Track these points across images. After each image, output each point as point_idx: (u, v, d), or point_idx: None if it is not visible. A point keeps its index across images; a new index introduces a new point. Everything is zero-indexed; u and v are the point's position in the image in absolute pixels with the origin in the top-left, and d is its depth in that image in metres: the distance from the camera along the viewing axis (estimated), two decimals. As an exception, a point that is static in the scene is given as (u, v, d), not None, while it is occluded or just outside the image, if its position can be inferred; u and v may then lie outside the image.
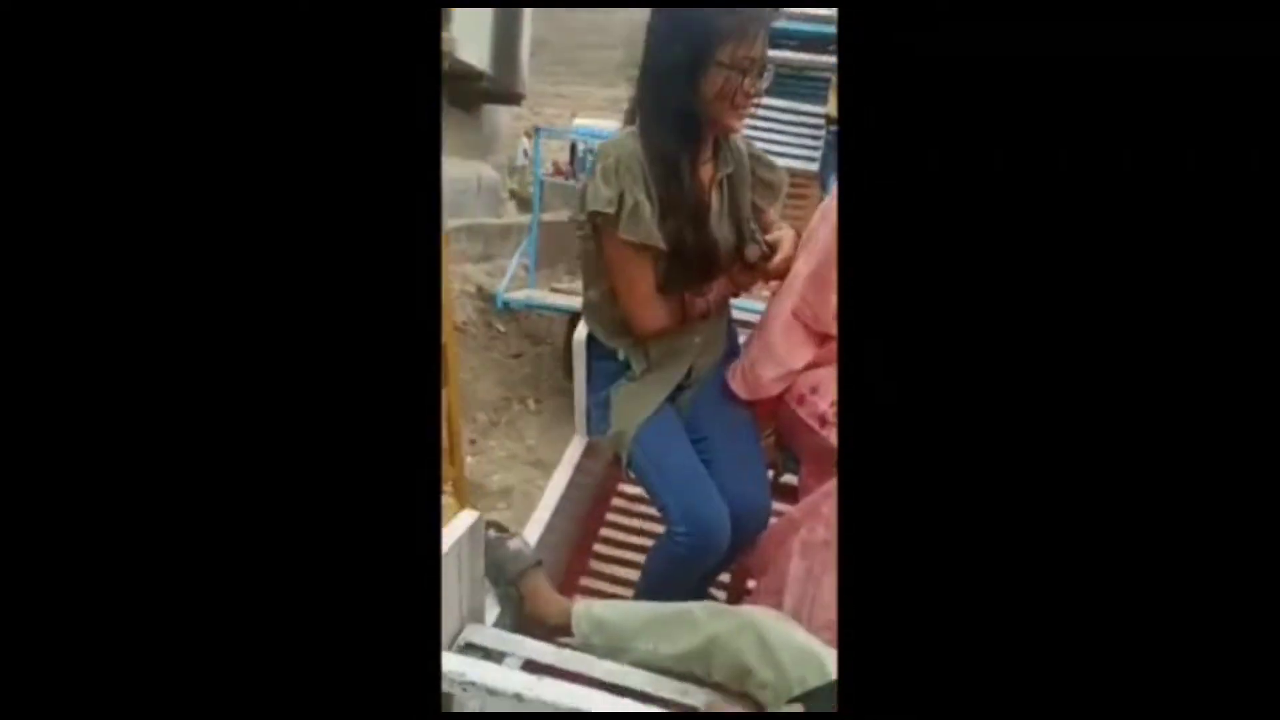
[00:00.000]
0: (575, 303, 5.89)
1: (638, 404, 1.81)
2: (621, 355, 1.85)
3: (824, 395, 1.67)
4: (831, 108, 2.35)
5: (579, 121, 13.98)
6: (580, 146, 10.35)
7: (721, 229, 1.71)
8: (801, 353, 1.69)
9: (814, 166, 2.40)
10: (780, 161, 1.99)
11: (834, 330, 1.66)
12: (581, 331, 1.89)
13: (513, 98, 10.52)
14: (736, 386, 1.77)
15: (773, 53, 2.82)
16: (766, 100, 2.57)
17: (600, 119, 13.83)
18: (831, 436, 1.64)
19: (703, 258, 1.67)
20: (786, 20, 2.49)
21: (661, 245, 1.60)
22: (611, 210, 1.56)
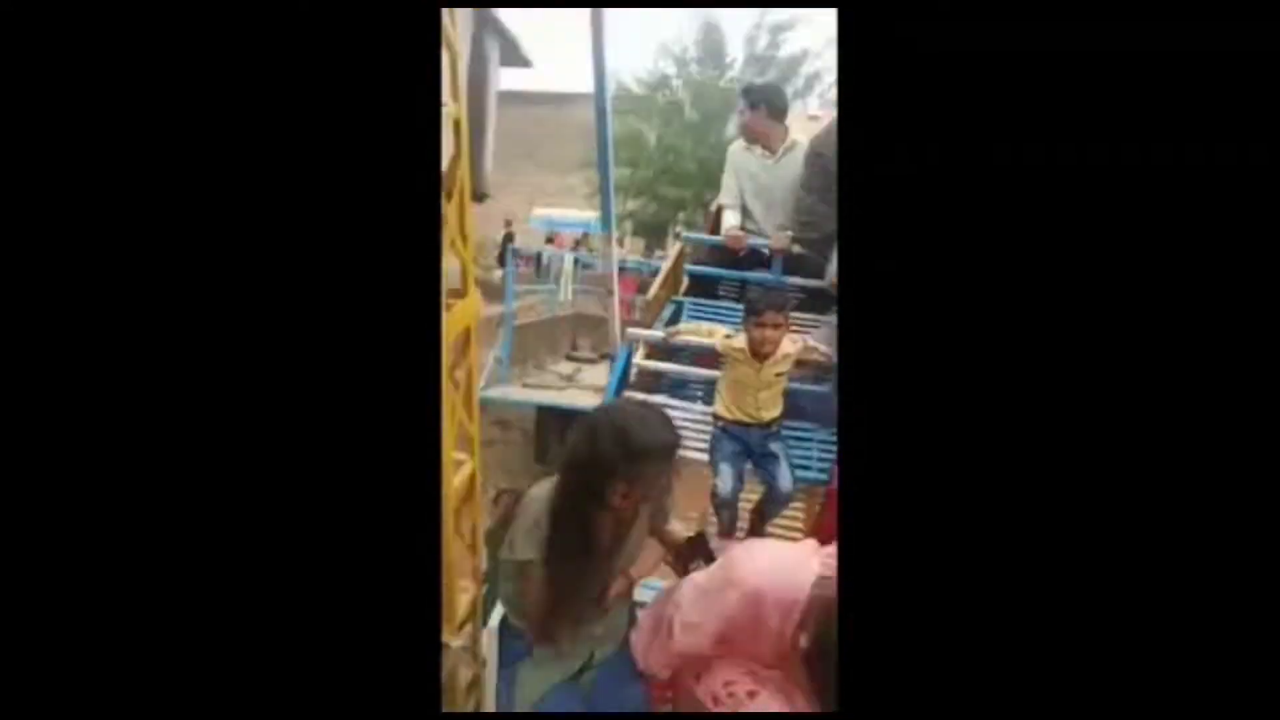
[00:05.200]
0: (545, 396, 6.47)
1: (538, 682, 2.01)
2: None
3: (717, 675, 1.76)
4: (719, 407, 2.68)
5: (537, 211, 14.86)
6: (544, 255, 11.84)
7: (629, 546, 1.94)
8: (700, 644, 1.79)
9: (704, 457, 2.70)
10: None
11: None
12: (497, 616, 2.09)
13: (477, 196, 11.31)
14: (637, 655, 1.92)
15: (667, 366, 3.09)
16: (664, 399, 3.02)
17: (557, 209, 14.93)
18: (721, 711, 1.76)
19: (593, 588, 1.89)
20: (681, 338, 2.93)
21: (530, 556, 1.82)
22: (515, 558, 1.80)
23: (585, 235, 14.41)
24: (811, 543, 1.83)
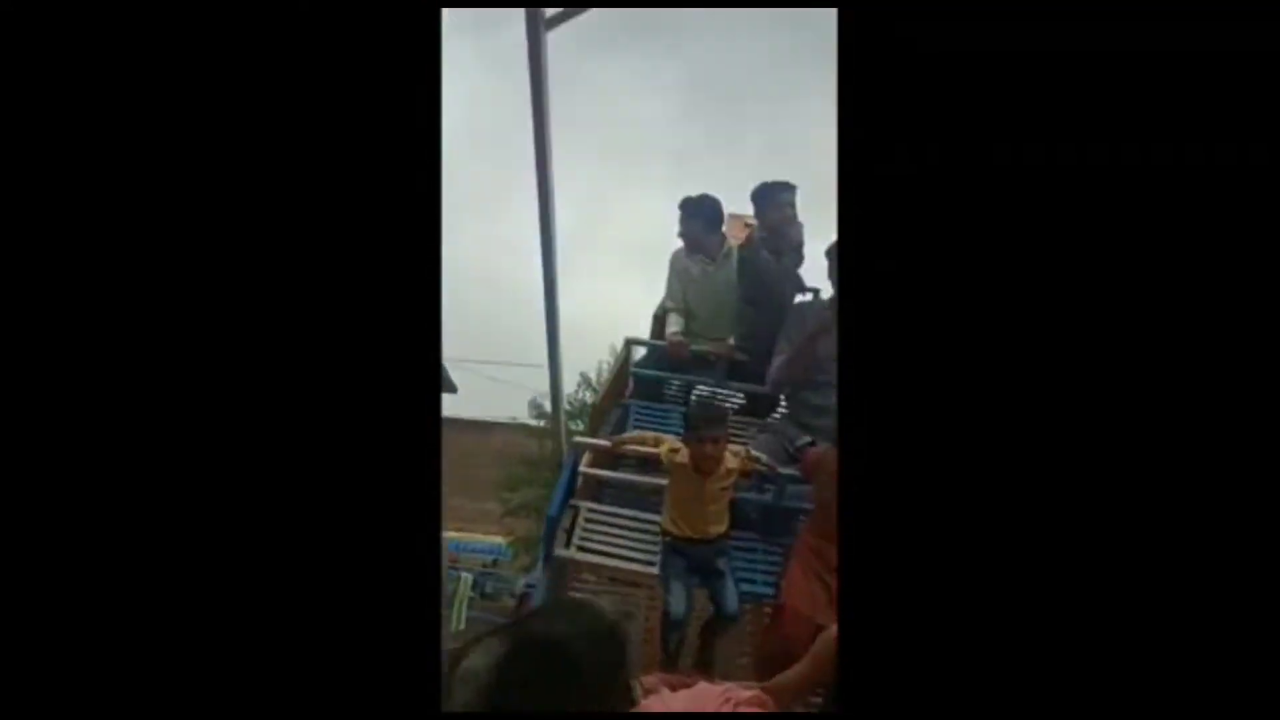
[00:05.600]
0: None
1: None
2: None
3: None
4: (666, 523, 2.63)
5: (450, 535, 14.38)
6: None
7: None
8: None
9: (654, 570, 2.67)
10: (621, 564, 2.41)
11: None
12: None
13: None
14: None
15: (613, 474, 3.09)
16: (610, 508, 2.98)
17: (467, 534, 14.99)
18: None
19: None
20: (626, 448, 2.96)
21: None
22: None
23: (494, 561, 14.40)
24: (718, 692, 1.82)
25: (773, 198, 3.46)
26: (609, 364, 14.66)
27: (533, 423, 14.83)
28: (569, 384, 15.06)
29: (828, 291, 3.03)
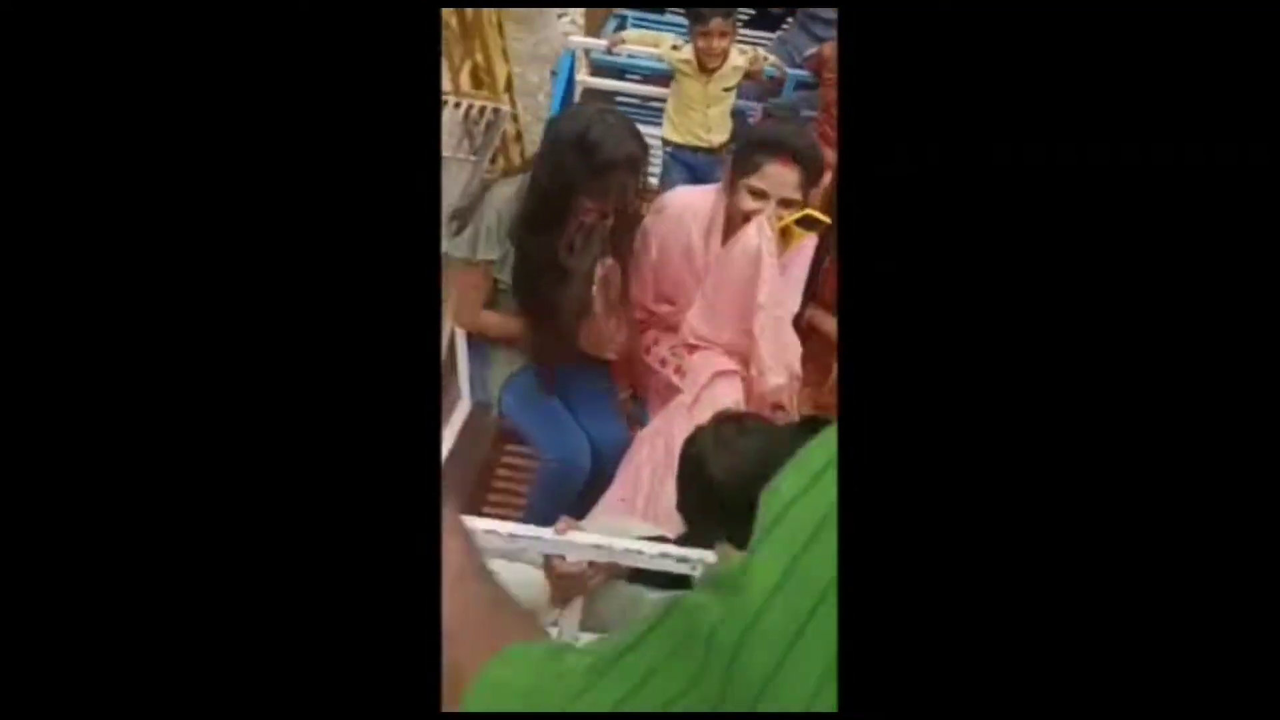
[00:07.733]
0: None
1: (506, 366, 2.14)
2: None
3: (664, 344, 2.05)
4: (667, 130, 2.58)
5: None
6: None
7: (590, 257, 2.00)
8: (641, 297, 2.06)
9: (654, 182, 2.68)
10: None
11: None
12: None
13: None
14: (584, 344, 2.08)
15: (614, 83, 2.97)
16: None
17: None
18: (669, 373, 1.93)
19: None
20: (629, 57, 2.83)
21: (492, 256, 1.84)
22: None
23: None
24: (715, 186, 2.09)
25: None
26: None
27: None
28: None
29: None
